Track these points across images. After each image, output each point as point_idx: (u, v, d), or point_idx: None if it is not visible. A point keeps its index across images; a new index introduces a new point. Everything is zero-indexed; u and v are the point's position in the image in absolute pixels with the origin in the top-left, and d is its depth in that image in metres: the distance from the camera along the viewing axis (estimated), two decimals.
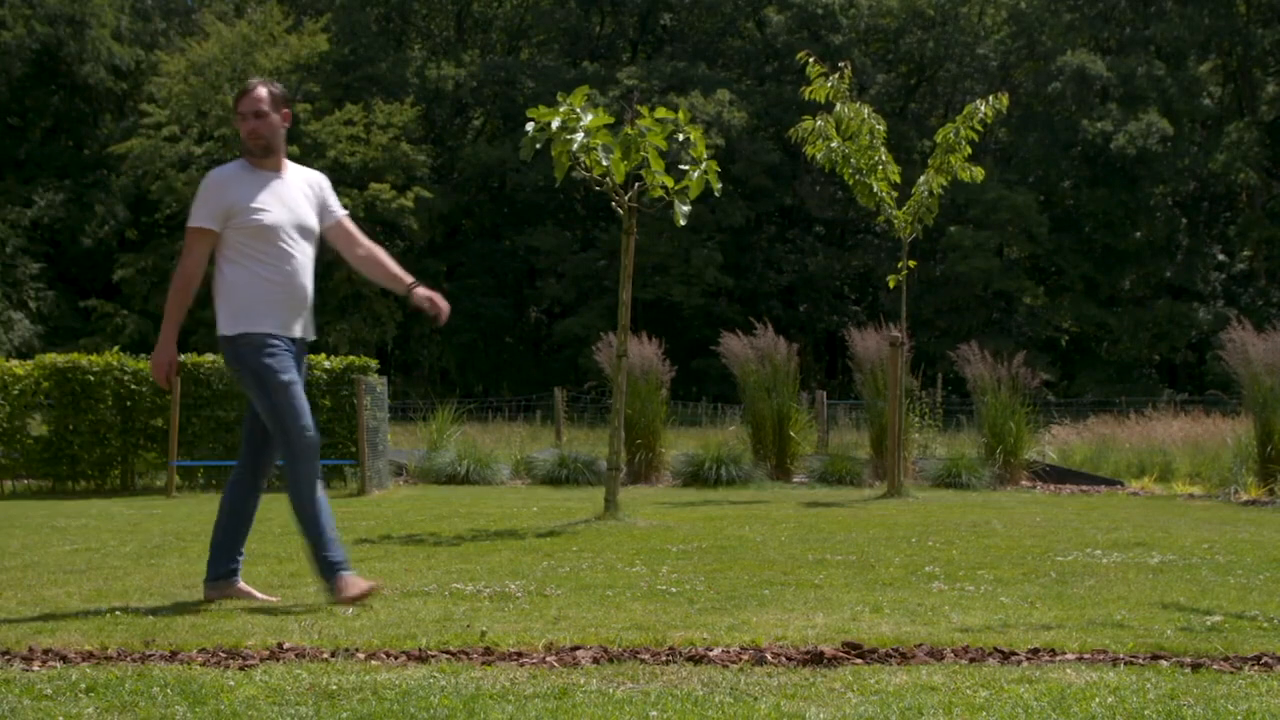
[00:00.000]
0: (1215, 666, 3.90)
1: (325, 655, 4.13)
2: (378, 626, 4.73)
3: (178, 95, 39.40)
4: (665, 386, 14.93)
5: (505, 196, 44.58)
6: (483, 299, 43.07)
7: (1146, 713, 3.31)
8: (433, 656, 4.09)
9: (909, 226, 12.76)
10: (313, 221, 5.51)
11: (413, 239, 42.07)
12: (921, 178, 12.71)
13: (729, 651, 4.11)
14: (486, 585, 5.87)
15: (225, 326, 5.38)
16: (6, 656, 4.14)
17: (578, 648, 4.20)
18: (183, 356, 14.59)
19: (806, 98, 12.78)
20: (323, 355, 14.94)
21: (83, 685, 3.66)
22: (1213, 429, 16.64)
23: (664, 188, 9.13)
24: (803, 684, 3.67)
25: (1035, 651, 4.11)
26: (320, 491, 5.47)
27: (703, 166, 9.03)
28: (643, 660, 4.00)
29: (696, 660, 3.99)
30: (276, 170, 5.47)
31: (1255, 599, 5.40)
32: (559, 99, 8.90)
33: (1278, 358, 12.63)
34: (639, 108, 9.06)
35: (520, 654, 4.11)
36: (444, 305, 5.63)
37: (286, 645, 4.29)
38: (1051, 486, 14.07)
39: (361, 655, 4.12)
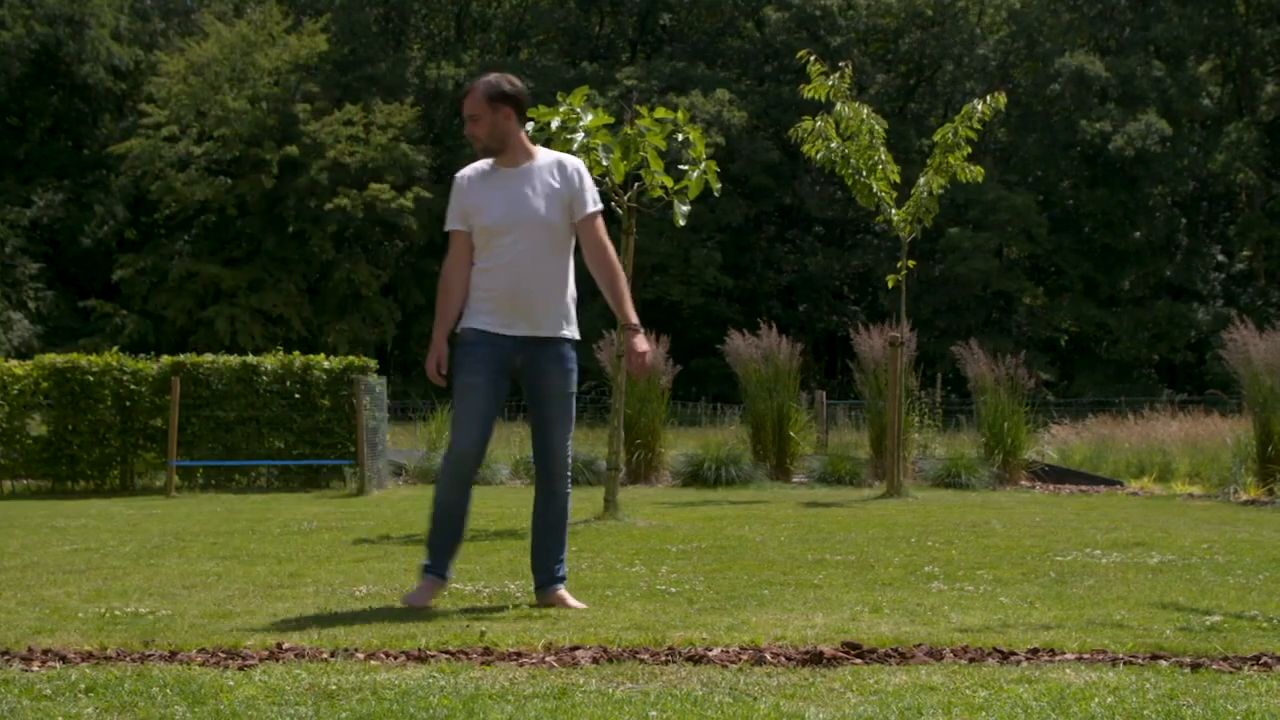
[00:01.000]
0: (1215, 666, 3.90)
1: (325, 655, 4.13)
2: (377, 627, 4.73)
3: (177, 95, 39.41)
4: (666, 386, 14.93)
5: None
6: None
7: (1146, 713, 3.31)
8: (432, 656, 4.09)
9: (908, 226, 12.76)
10: (549, 215, 5.25)
11: (412, 239, 42.08)
12: (922, 178, 12.71)
13: (728, 651, 4.10)
14: (486, 585, 5.87)
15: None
16: (6, 656, 4.14)
17: (577, 648, 4.20)
18: (182, 356, 14.60)
19: (806, 96, 12.78)
20: (322, 355, 14.95)
21: (82, 685, 3.66)
22: (1212, 429, 16.64)
23: (663, 188, 9.14)
24: (802, 684, 3.67)
25: (1034, 651, 4.11)
26: (453, 497, 5.29)
27: (702, 166, 9.03)
28: (642, 660, 4.00)
29: (696, 660, 3.99)
30: (514, 165, 5.28)
31: (1255, 599, 5.40)
32: (558, 99, 8.90)
33: (1278, 358, 12.63)
34: (638, 108, 9.07)
35: (519, 654, 4.11)
36: (646, 364, 5.42)
37: (286, 645, 4.29)
38: (1051, 486, 14.07)
39: (361, 655, 4.12)
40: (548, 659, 4.02)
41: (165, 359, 14.52)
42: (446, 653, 4.14)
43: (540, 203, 5.24)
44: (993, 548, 7.40)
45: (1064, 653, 4.10)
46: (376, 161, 40.09)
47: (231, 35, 40.32)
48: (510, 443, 17.64)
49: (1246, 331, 13.04)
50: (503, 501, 11.72)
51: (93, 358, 14.28)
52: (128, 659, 4.10)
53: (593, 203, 5.38)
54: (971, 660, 4.00)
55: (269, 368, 14.46)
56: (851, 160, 12.49)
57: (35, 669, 3.95)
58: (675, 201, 9.07)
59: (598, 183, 9.27)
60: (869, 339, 14.83)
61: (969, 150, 12.70)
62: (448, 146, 46.09)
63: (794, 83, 34.92)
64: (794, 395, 15.05)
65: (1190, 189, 43.24)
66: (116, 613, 5.11)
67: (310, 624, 4.83)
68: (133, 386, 14.17)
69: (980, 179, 13.01)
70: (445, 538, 5.30)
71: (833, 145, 12.44)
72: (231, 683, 3.70)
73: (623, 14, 48.84)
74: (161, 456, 14.11)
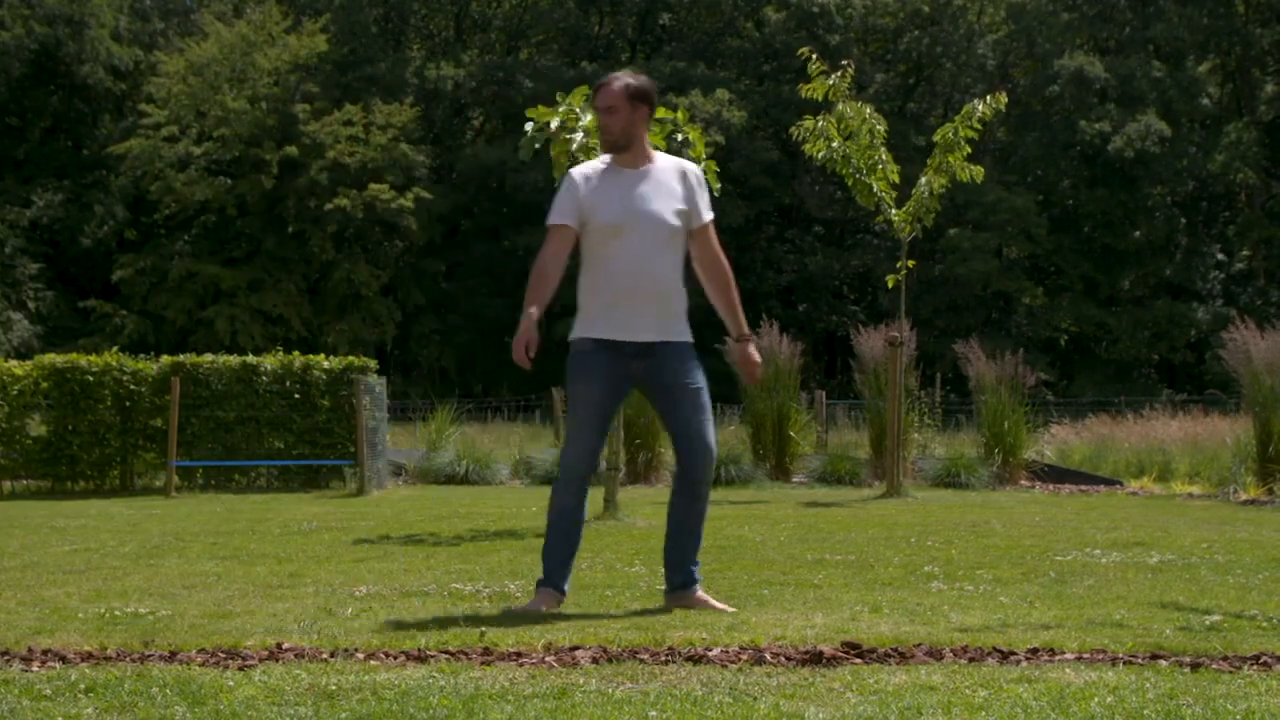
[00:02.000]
0: (1214, 666, 3.90)
1: (324, 655, 4.13)
2: (377, 627, 4.74)
3: (177, 95, 39.39)
4: None
5: (504, 197, 44.56)
6: (482, 299, 43.06)
7: (1145, 712, 3.31)
8: (432, 656, 4.09)
9: (909, 226, 12.76)
10: (671, 219, 5.16)
11: (412, 239, 42.08)
12: (922, 178, 12.71)
13: (728, 651, 4.10)
14: (486, 585, 5.87)
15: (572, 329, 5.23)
16: (6, 657, 4.14)
17: (577, 648, 4.20)
18: (182, 357, 14.60)
19: (805, 95, 12.78)
20: (321, 356, 14.95)
21: (82, 686, 3.66)
22: (1212, 428, 16.64)
23: None
24: (802, 684, 3.67)
25: (1034, 651, 4.10)
26: (569, 503, 5.22)
27: (701, 166, 9.02)
28: (642, 660, 4.00)
29: (695, 660, 3.99)
30: (634, 166, 5.18)
31: (1254, 598, 5.40)
32: (558, 99, 8.91)
33: (1277, 357, 12.63)
34: None
35: (519, 654, 4.11)
36: (758, 373, 5.36)
37: (285, 645, 4.29)
38: (1050, 486, 14.07)
39: (361, 655, 4.12)
40: (547, 659, 4.02)
41: (165, 359, 14.52)
42: (446, 653, 4.14)
43: (661, 205, 5.15)
44: (992, 547, 7.40)
45: (1064, 652, 4.10)
46: (376, 161, 40.08)
47: (231, 35, 40.31)
48: (510, 443, 17.64)
49: (1246, 331, 13.04)
50: (503, 501, 11.72)
51: (92, 358, 14.28)
52: (128, 659, 4.10)
53: (708, 211, 5.34)
54: (971, 660, 4.00)
55: (269, 368, 14.46)
56: (852, 160, 12.49)
57: (35, 669, 3.95)
58: None
59: None
60: (869, 339, 14.83)
61: (969, 150, 12.70)
62: (447, 146, 46.09)
63: (794, 82, 34.90)
64: (794, 395, 15.05)
65: (1190, 189, 43.24)
66: (116, 613, 5.11)
67: (310, 624, 4.83)
68: (132, 387, 14.17)
69: (980, 179, 13.02)
70: (563, 548, 5.19)
71: (834, 145, 12.45)
72: (231, 683, 3.70)
73: (622, 14, 48.84)
74: (161, 457, 14.11)
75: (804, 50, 12.94)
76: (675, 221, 5.18)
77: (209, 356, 14.67)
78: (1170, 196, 42.64)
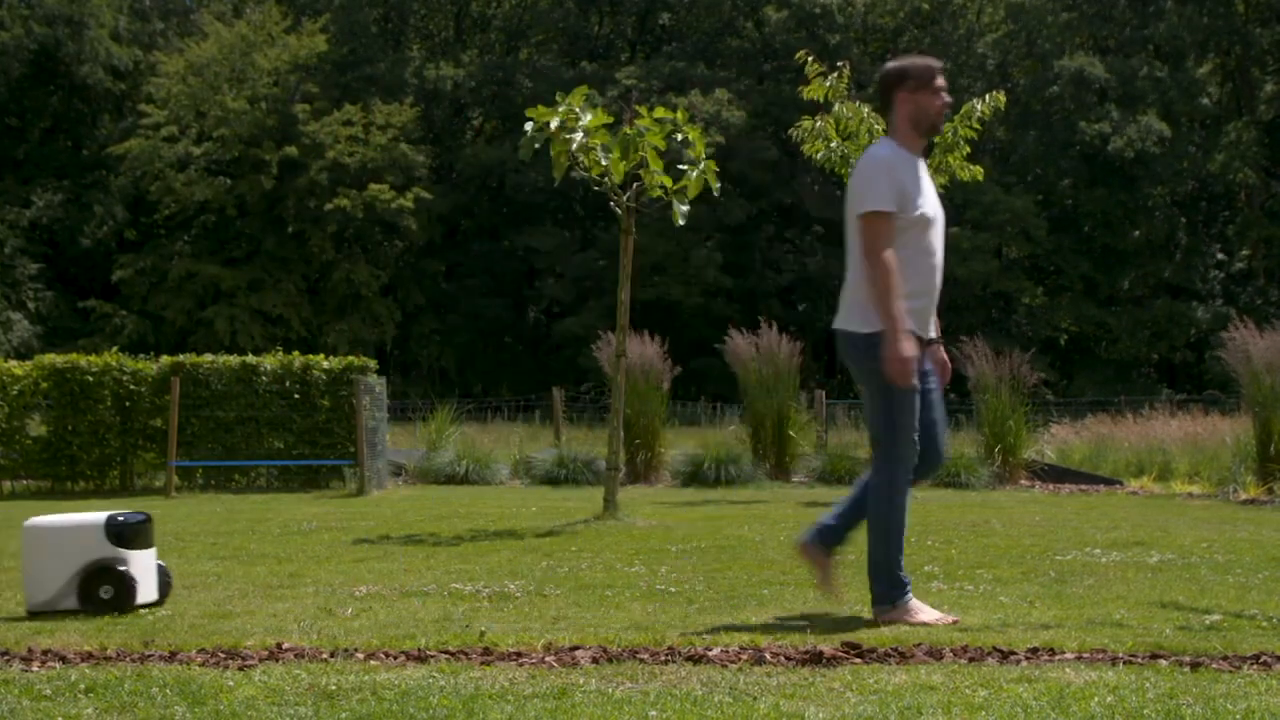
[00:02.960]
0: (1214, 665, 3.90)
1: (324, 655, 4.13)
2: (377, 627, 4.73)
3: (176, 96, 39.39)
4: (666, 386, 14.92)
5: (504, 197, 44.57)
6: (482, 299, 43.07)
7: (1145, 712, 3.31)
8: (432, 657, 4.09)
9: None
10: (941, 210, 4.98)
11: (412, 239, 42.08)
12: None
13: (728, 651, 4.11)
14: (486, 585, 5.87)
15: (859, 322, 4.81)
16: (6, 657, 4.14)
17: (577, 648, 4.20)
18: (181, 357, 14.60)
19: (805, 97, 12.78)
20: (321, 356, 14.94)
21: (82, 686, 3.66)
22: (1211, 428, 16.63)
23: (663, 188, 9.14)
24: (802, 684, 3.67)
25: (1034, 651, 4.11)
26: (905, 505, 4.93)
27: (701, 166, 9.03)
28: (642, 660, 4.00)
29: (696, 660, 3.99)
30: (920, 154, 5.02)
31: (1254, 598, 5.40)
32: (558, 99, 8.91)
33: (1277, 357, 12.62)
34: (637, 107, 9.07)
35: (519, 654, 4.11)
36: (947, 376, 5.12)
37: (285, 645, 4.29)
38: (1050, 486, 14.07)
39: (360, 655, 4.12)
40: (547, 659, 4.02)
41: (165, 359, 14.52)
42: (446, 653, 4.14)
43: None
44: (992, 547, 7.40)
45: (1064, 652, 4.10)
46: (376, 162, 40.08)
47: (231, 35, 40.30)
48: (510, 443, 17.64)
49: (1246, 331, 13.03)
50: (502, 501, 11.72)
51: (92, 358, 14.28)
52: (127, 659, 4.10)
53: None
54: (971, 660, 4.00)
55: (269, 368, 14.46)
56: (851, 160, 12.49)
57: (35, 669, 3.96)
58: (674, 201, 9.07)
59: (597, 182, 9.30)
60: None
61: (968, 150, 12.71)
62: (447, 146, 46.08)
63: (794, 82, 34.91)
64: (793, 395, 15.04)
65: (1190, 188, 43.25)
66: (116, 613, 5.11)
67: (310, 624, 4.83)
68: (132, 387, 14.17)
69: (980, 178, 13.01)
70: (901, 550, 4.95)
71: (832, 145, 12.45)
72: (231, 683, 3.70)
73: (622, 14, 48.84)
74: (161, 457, 14.11)
75: (802, 53, 12.94)
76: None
77: (209, 357, 14.67)
78: (1170, 196, 42.64)
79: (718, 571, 6.31)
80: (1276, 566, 6.53)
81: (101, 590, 5.13)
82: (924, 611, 4.77)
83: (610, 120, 8.94)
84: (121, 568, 5.17)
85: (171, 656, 4.14)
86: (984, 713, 3.31)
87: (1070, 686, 3.59)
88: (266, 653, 4.18)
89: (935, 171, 12.69)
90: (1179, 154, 41.06)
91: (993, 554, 7.05)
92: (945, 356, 5.18)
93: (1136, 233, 41.84)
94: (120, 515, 5.37)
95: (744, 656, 4.01)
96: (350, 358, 14.98)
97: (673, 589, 5.67)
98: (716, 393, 30.70)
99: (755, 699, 3.47)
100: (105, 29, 42.20)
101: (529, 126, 8.78)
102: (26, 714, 3.37)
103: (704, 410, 26.91)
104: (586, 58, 46.91)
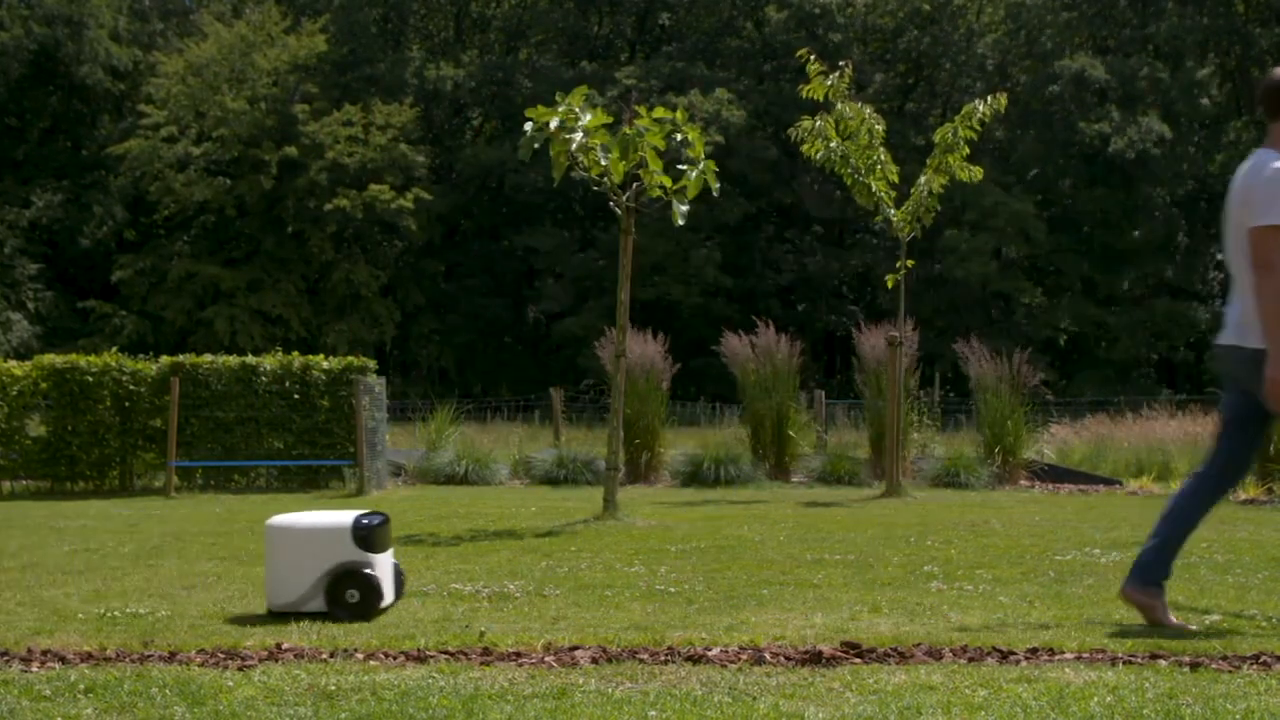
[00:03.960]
0: (1213, 665, 3.90)
1: (324, 656, 4.13)
2: (376, 627, 4.74)
3: (176, 96, 39.39)
4: (666, 385, 14.91)
5: (504, 197, 44.57)
6: (481, 299, 43.06)
7: (1145, 712, 3.31)
8: (431, 657, 4.09)
9: (907, 226, 12.76)
10: None
11: (411, 240, 42.08)
12: (921, 178, 12.71)
13: (728, 651, 4.11)
14: (485, 585, 5.86)
15: (1254, 338, 4.68)
16: (5, 657, 4.14)
17: (576, 648, 4.20)
18: (181, 357, 14.60)
19: (805, 96, 12.78)
20: (321, 356, 14.94)
21: (81, 686, 3.66)
22: (1211, 428, 16.62)
23: (662, 188, 9.14)
24: (801, 684, 3.67)
25: (1034, 651, 4.11)
26: (1208, 513, 4.93)
27: (700, 166, 9.03)
28: (641, 660, 4.00)
29: (695, 660, 3.99)
30: None
31: (1253, 598, 5.40)
32: (557, 99, 8.91)
33: None
34: (637, 108, 9.07)
35: (519, 654, 4.11)
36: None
37: (285, 646, 4.29)
38: (1050, 486, 14.07)
39: (360, 656, 4.12)
40: (547, 659, 4.02)
41: (164, 359, 14.52)
42: (446, 653, 4.14)
43: None
44: (992, 547, 7.40)
45: (1063, 652, 4.10)
46: (376, 162, 40.08)
47: (230, 36, 40.29)
48: (509, 443, 17.64)
49: None
50: (502, 502, 11.72)
51: (92, 358, 14.28)
52: (127, 660, 4.10)
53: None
54: (971, 660, 4.00)
55: (268, 368, 14.46)
56: (851, 160, 12.49)
57: (35, 670, 3.95)
58: (674, 201, 9.07)
59: (597, 182, 9.30)
60: (871, 338, 14.82)
61: (968, 151, 12.71)
62: (447, 147, 46.09)
63: (794, 82, 34.93)
64: (793, 395, 15.04)
65: (1189, 188, 43.25)
66: (116, 613, 5.11)
67: (309, 624, 4.83)
68: (132, 387, 14.16)
69: (980, 179, 13.01)
70: (1180, 548, 4.93)
71: (832, 145, 12.45)
72: (231, 683, 3.70)
73: (621, 14, 48.84)
74: (161, 457, 14.10)
75: (802, 52, 12.95)
76: None
77: (208, 357, 14.66)
78: (1170, 196, 42.64)
79: (717, 571, 6.31)
80: (1276, 566, 6.53)
81: (348, 594, 5.06)
82: (1166, 612, 4.73)
83: (610, 120, 8.94)
84: (367, 570, 5.09)
85: (171, 657, 4.14)
86: (983, 713, 3.31)
87: (1070, 686, 3.59)
88: (266, 653, 4.18)
89: (935, 172, 12.71)
90: (1179, 154, 41.07)
91: (992, 554, 7.05)
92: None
93: (1136, 233, 41.83)
94: (365, 517, 5.28)
95: (743, 656, 4.01)
96: (350, 358, 14.97)
97: (672, 589, 5.67)
98: (716, 393, 30.69)
99: (755, 699, 3.47)
100: (105, 29, 42.19)
101: (529, 126, 8.79)
102: (26, 714, 3.37)
103: (703, 410, 26.91)
104: (586, 58, 46.91)
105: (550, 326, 44.11)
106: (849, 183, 12.69)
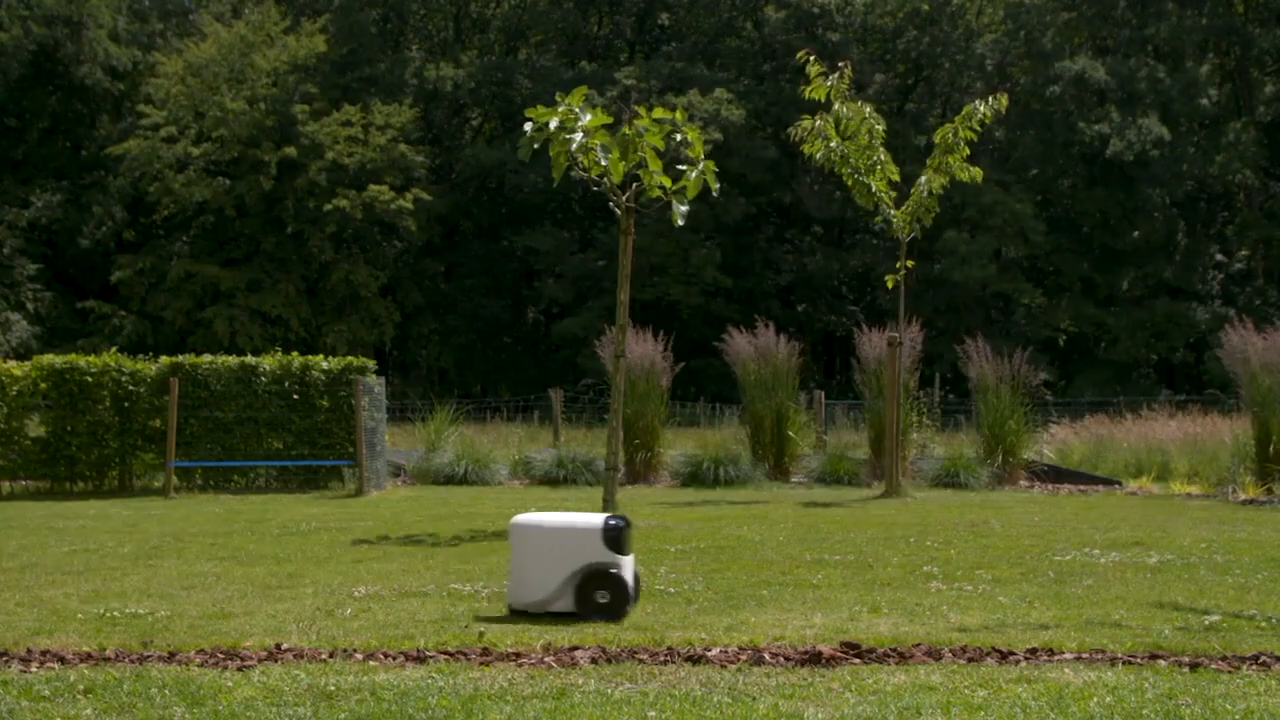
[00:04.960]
0: (1213, 666, 3.90)
1: (323, 656, 4.13)
2: (375, 627, 4.73)
3: (175, 96, 39.37)
4: (666, 385, 14.91)
5: (503, 197, 44.56)
6: (481, 299, 43.05)
7: (1144, 712, 3.30)
8: (431, 657, 4.09)
9: (907, 226, 12.77)
10: None
11: (411, 240, 42.08)
12: (921, 178, 12.72)
13: (727, 651, 4.10)
14: (485, 586, 5.86)
15: None
16: (5, 657, 4.13)
17: (576, 648, 4.20)
18: (180, 357, 14.60)
19: (806, 96, 12.78)
20: (320, 356, 14.94)
21: (81, 686, 3.66)
22: (1210, 428, 16.62)
23: (662, 188, 9.13)
24: (801, 684, 3.66)
25: (1033, 651, 4.10)
26: None
27: (700, 166, 9.02)
28: (641, 660, 3.99)
29: (694, 660, 3.99)
30: None
31: (1253, 598, 5.40)
32: (557, 99, 8.90)
33: (1276, 357, 12.62)
34: (637, 108, 9.06)
35: (518, 654, 4.11)
36: None
37: (284, 646, 4.29)
38: (1049, 486, 14.07)
39: (359, 656, 4.12)
40: (546, 659, 4.02)
41: (164, 360, 14.51)
42: (445, 653, 4.14)
43: None
44: (991, 547, 7.40)
45: (1062, 652, 4.10)
46: (375, 162, 40.07)
47: (229, 36, 40.28)
48: (509, 443, 17.63)
49: (1245, 331, 13.03)
50: (501, 502, 11.71)
51: (91, 359, 14.27)
52: (126, 660, 4.10)
53: None
54: (970, 660, 4.00)
55: (267, 368, 14.46)
56: (851, 160, 12.49)
57: (34, 670, 3.95)
58: (673, 201, 9.06)
59: (597, 182, 9.30)
60: (871, 338, 14.82)
61: (968, 151, 12.71)
62: (446, 147, 46.08)
63: (793, 81, 34.93)
64: (792, 395, 15.04)
65: (1189, 189, 43.27)
66: (115, 613, 5.11)
67: (309, 625, 4.82)
68: (131, 387, 14.16)
69: (979, 179, 13.02)
70: None
71: (832, 145, 12.45)
72: (230, 683, 3.70)
73: (621, 14, 48.85)
74: (160, 457, 14.10)
75: (803, 53, 12.95)
76: None
77: (208, 357, 14.66)
78: (1169, 197, 42.65)
79: (717, 572, 6.30)
80: (1275, 567, 6.53)
81: (598, 595, 5.05)
82: None
83: (609, 120, 8.94)
84: (615, 571, 5.09)
85: (170, 657, 4.14)
86: (983, 713, 3.30)
87: (1069, 687, 3.58)
88: (265, 653, 4.18)
89: (935, 172, 12.71)
90: (1178, 155, 41.07)
91: (992, 554, 7.05)
92: None
93: (1136, 233, 41.83)
94: (613, 520, 5.28)
95: (743, 657, 4.01)
96: (349, 358, 14.96)
97: (672, 589, 5.67)
98: (716, 393, 30.68)
99: (754, 699, 3.47)
100: (104, 29, 42.17)
101: (528, 127, 8.78)
102: (25, 715, 3.37)
103: (703, 410, 26.88)
104: (586, 58, 46.92)
105: (550, 327, 44.12)
106: (849, 183, 12.70)
